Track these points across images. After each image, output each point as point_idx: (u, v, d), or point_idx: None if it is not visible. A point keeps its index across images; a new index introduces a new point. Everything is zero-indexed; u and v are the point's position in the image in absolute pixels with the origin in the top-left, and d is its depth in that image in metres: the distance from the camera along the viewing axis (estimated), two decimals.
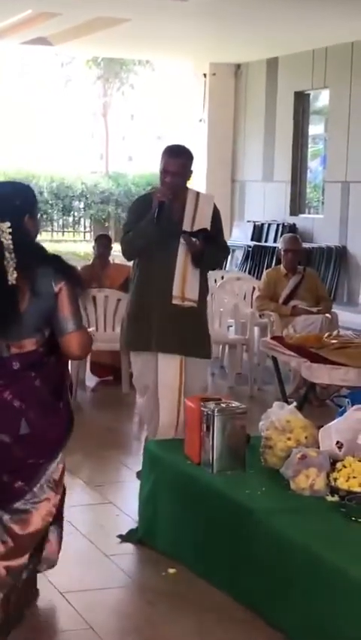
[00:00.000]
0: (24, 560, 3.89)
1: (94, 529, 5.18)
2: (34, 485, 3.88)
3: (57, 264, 3.87)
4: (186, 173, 5.59)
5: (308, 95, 14.91)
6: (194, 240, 5.45)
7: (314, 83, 14.26)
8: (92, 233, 24.10)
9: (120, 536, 4.98)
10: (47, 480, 3.92)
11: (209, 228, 5.54)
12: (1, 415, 3.77)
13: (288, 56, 14.71)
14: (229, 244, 6.17)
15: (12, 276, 3.72)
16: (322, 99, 14.98)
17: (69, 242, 23.28)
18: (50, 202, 23.82)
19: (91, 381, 8.88)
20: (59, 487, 3.99)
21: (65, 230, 24.60)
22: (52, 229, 24.32)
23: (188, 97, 17.22)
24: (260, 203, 15.53)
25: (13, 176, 22.48)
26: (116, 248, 10.23)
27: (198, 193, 5.70)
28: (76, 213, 24.62)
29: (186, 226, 5.52)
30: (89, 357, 8.87)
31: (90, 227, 24.51)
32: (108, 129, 34.58)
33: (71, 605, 4.22)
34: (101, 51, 19.66)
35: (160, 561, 4.66)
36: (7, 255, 3.73)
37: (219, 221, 5.73)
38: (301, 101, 14.87)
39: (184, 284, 5.50)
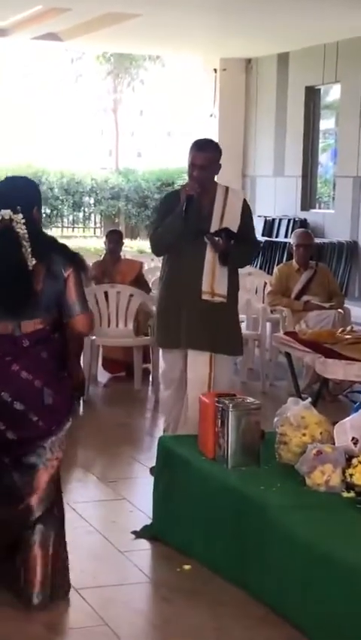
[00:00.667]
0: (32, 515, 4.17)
1: (108, 526, 5.17)
2: (44, 445, 4.19)
3: (66, 252, 4.21)
4: (214, 166, 5.57)
5: (319, 89, 14.87)
6: (217, 239, 5.43)
7: (325, 78, 14.22)
8: (102, 228, 24.08)
9: (134, 532, 4.97)
10: (59, 441, 4.24)
11: (238, 225, 5.50)
12: (18, 387, 4.07)
13: (299, 51, 14.67)
14: None
15: (31, 263, 4.06)
16: (332, 94, 14.93)
17: (79, 237, 23.25)
18: (60, 198, 23.80)
19: (103, 377, 8.87)
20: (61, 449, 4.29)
21: (75, 225, 24.59)
22: (62, 225, 24.30)
23: (198, 92, 17.20)
24: (271, 199, 15.50)
25: (23, 171, 22.48)
26: (127, 243, 10.26)
27: (227, 188, 5.67)
28: (86, 209, 24.59)
29: (215, 222, 5.49)
30: (100, 353, 8.88)
31: (100, 222, 24.50)
32: (118, 125, 34.57)
33: (85, 601, 4.21)
34: (111, 46, 19.64)
35: (175, 557, 4.64)
36: (24, 243, 4.07)
37: (250, 217, 5.71)
38: (312, 95, 14.83)
39: (213, 279, 5.48)
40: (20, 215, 4.10)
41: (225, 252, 5.45)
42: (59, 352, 4.21)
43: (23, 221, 4.09)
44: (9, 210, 4.10)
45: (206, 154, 5.54)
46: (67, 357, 4.28)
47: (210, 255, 5.49)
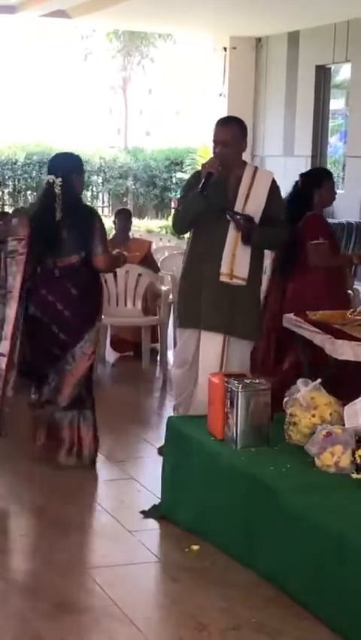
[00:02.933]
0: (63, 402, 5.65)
1: (116, 505, 5.17)
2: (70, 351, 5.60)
3: (90, 209, 5.89)
4: (237, 142, 5.49)
5: (330, 68, 14.78)
6: (238, 217, 5.36)
7: (336, 57, 14.12)
8: (110, 207, 24.00)
9: (143, 512, 4.97)
10: (80, 350, 5.60)
11: (262, 206, 5.43)
12: (48, 310, 5.58)
13: (309, 29, 14.57)
14: None
15: (59, 214, 5.50)
16: (342, 73, 14.84)
17: None
18: None
19: (111, 356, 8.86)
20: (89, 359, 5.66)
21: None
22: None
23: (208, 71, 17.11)
24: (281, 178, 15.27)
25: (32, 150, 22.42)
26: (135, 223, 10.23)
27: (256, 169, 5.60)
28: (94, 188, 24.51)
29: (239, 203, 5.43)
30: (109, 333, 8.86)
31: (108, 201, 24.42)
32: (127, 103, 34.42)
33: (94, 580, 4.21)
34: (120, 24, 19.54)
35: (183, 537, 4.64)
36: (57, 199, 5.50)
37: (279, 198, 5.61)
38: (323, 74, 14.75)
39: (234, 260, 5.41)
40: (59, 180, 5.51)
41: (247, 230, 5.37)
42: (85, 282, 5.58)
43: (60, 184, 5.50)
44: (52, 175, 5.56)
45: (227, 129, 5.49)
46: (93, 286, 5.69)
47: (232, 236, 5.41)
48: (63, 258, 5.55)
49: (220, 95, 16.21)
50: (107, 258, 5.64)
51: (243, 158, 5.66)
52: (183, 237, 9.19)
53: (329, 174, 6.52)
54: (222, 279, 5.44)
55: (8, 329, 5.47)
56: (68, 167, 5.60)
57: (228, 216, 5.38)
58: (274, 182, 5.57)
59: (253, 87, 16.10)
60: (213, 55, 16.52)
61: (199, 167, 5.84)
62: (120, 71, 32.75)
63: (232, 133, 5.48)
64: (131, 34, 28.78)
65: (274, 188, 5.55)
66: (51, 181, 5.52)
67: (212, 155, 5.54)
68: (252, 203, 5.44)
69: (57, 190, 5.49)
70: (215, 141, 5.47)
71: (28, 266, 5.53)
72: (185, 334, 5.69)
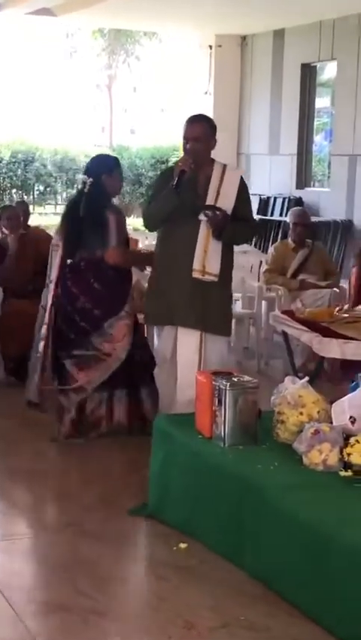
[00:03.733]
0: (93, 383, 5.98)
1: (103, 504, 5.14)
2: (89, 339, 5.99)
3: (114, 207, 6.07)
4: (207, 139, 5.53)
5: (315, 67, 14.78)
6: (215, 212, 5.37)
7: (321, 55, 14.13)
8: None
9: (131, 511, 4.96)
10: (101, 338, 5.97)
11: (233, 204, 5.47)
12: (71, 300, 6.01)
13: (295, 28, 14.57)
14: None
15: (82, 211, 5.91)
16: (327, 72, 14.85)
17: None
18: (54, 175, 23.68)
19: None
20: (115, 342, 5.96)
21: None
22: (55, 202, 24.19)
23: (193, 69, 17.08)
24: (266, 177, 15.44)
25: (17, 148, 22.37)
26: None
27: (225, 166, 5.62)
28: (79, 186, 24.50)
29: (210, 200, 5.45)
30: None
31: None
32: (113, 102, 34.39)
33: (82, 579, 4.19)
34: (105, 22, 19.49)
35: (171, 536, 4.63)
36: (84, 198, 5.92)
37: (247, 196, 5.66)
38: (308, 72, 14.75)
39: (205, 257, 5.43)
40: (90, 179, 5.92)
41: (220, 225, 5.40)
42: (107, 276, 5.90)
43: (90, 183, 5.91)
44: (85, 175, 6.02)
45: (198, 125, 5.54)
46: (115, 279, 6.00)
47: (203, 232, 5.45)
48: (88, 252, 5.96)
49: (206, 93, 16.19)
50: (115, 252, 5.87)
51: (228, 156, 5.69)
52: None
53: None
54: (195, 275, 5.46)
55: (46, 315, 6.07)
56: (98, 168, 6.02)
57: (203, 215, 5.39)
58: (242, 179, 5.65)
59: (239, 85, 16.09)
60: (199, 53, 16.50)
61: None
62: (105, 69, 32.70)
63: (202, 129, 5.53)
64: (116, 32, 28.74)
65: (242, 185, 5.61)
66: (83, 181, 6.03)
67: (183, 153, 5.57)
68: (222, 200, 5.48)
69: (87, 189, 5.92)
70: (186, 138, 5.51)
71: (63, 259, 6.04)
72: (162, 333, 5.69)
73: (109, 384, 6.05)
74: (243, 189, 5.59)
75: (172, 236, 5.53)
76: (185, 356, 5.54)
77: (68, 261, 6.07)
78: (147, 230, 6.57)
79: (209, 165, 5.55)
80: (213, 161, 5.62)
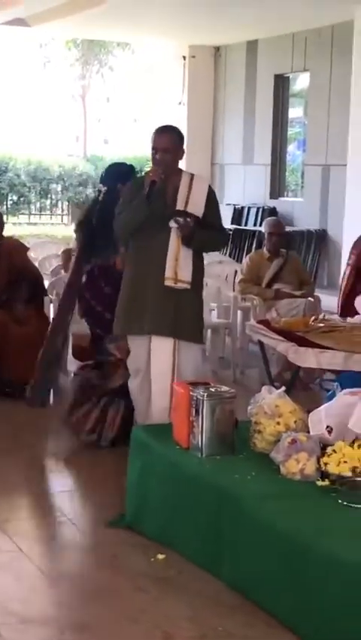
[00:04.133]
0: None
1: (81, 516, 5.15)
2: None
3: None
4: (176, 149, 5.56)
5: (288, 77, 14.86)
6: (186, 219, 5.39)
7: (294, 66, 14.21)
8: (69, 216, 23.97)
9: (108, 522, 4.95)
10: (113, 343, 6.15)
11: (202, 212, 5.50)
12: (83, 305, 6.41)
13: (268, 39, 14.64)
14: None
15: (94, 219, 6.10)
16: (299, 82, 14.93)
17: (47, 225, 23.15)
18: (28, 185, 23.67)
19: (73, 365, 8.80)
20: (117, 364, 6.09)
21: (43, 213, 24.46)
22: (29, 212, 24.18)
23: (167, 79, 17.12)
24: (240, 187, 15.48)
25: None
26: None
27: (192, 175, 5.65)
28: (53, 196, 24.47)
29: (179, 209, 5.47)
30: (70, 341, 8.82)
31: (68, 210, 24.39)
32: (87, 112, 34.39)
33: (60, 592, 4.19)
34: (79, 33, 19.49)
35: (149, 547, 4.63)
36: (98, 206, 6.12)
37: (215, 204, 5.68)
38: (281, 83, 14.82)
39: (177, 265, 5.46)
40: (105, 188, 6.13)
41: (189, 233, 5.43)
42: (116, 280, 5.82)
43: (105, 191, 6.12)
44: (101, 185, 6.22)
45: (167, 136, 5.56)
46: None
47: (174, 241, 5.47)
48: (102, 259, 6.17)
49: (180, 103, 16.23)
50: (124, 258, 5.89)
51: (203, 166, 5.73)
52: None
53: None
54: (167, 283, 5.47)
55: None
56: (113, 177, 6.19)
57: (174, 222, 5.42)
58: (210, 188, 5.69)
59: (213, 95, 16.14)
60: (173, 64, 16.53)
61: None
62: (79, 79, 32.70)
63: (171, 140, 5.56)
64: (89, 42, 28.76)
65: (210, 194, 5.64)
66: (99, 189, 6.23)
67: (152, 163, 5.59)
68: (191, 209, 5.51)
69: (101, 197, 6.13)
70: (155, 148, 5.53)
71: (80, 264, 6.26)
72: (134, 343, 5.68)
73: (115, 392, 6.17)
74: (211, 197, 5.64)
75: (143, 245, 5.56)
76: (159, 364, 5.54)
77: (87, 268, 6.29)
78: None
79: (177, 175, 5.59)
80: (180, 170, 5.66)
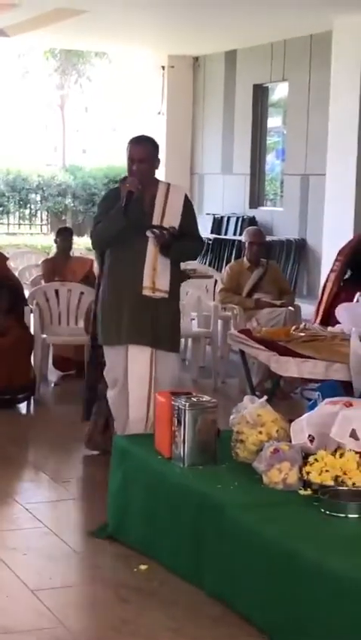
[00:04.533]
0: None
1: (62, 526, 5.13)
2: None
3: None
4: (152, 159, 5.57)
5: (267, 87, 14.91)
6: (163, 232, 5.41)
7: (273, 76, 14.26)
8: (49, 226, 23.94)
9: (90, 533, 4.94)
10: None
11: (178, 222, 5.52)
12: None
13: (246, 49, 14.69)
14: None
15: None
16: (278, 92, 14.98)
17: (26, 235, 23.09)
18: (6, 194, 23.62)
19: (53, 375, 8.81)
20: None
21: (22, 222, 24.42)
22: (8, 222, 24.12)
23: (146, 89, 17.15)
24: (219, 196, 15.51)
25: None
26: (75, 240, 10.20)
27: (168, 185, 5.67)
28: (33, 206, 24.43)
29: (156, 219, 5.49)
30: (51, 351, 8.83)
31: (47, 220, 24.37)
32: (65, 121, 34.39)
33: (42, 603, 4.16)
34: (58, 42, 19.51)
35: (131, 557, 4.62)
36: None
37: (192, 213, 5.70)
38: (260, 93, 14.87)
39: (155, 274, 5.46)
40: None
41: (168, 244, 5.44)
42: None
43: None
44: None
45: (143, 146, 5.57)
46: None
47: (151, 250, 5.48)
48: None
49: (159, 113, 16.26)
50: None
51: (182, 175, 5.73)
52: None
53: None
54: (145, 292, 5.48)
55: None
56: None
57: (151, 233, 5.43)
58: (186, 197, 5.70)
59: (192, 105, 16.18)
60: (152, 74, 16.57)
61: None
62: (57, 89, 32.71)
63: (147, 150, 5.57)
64: (67, 52, 28.79)
65: (187, 203, 5.66)
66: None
67: (129, 174, 5.59)
68: (168, 218, 5.53)
69: None
70: (131, 159, 5.53)
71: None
72: (112, 353, 5.66)
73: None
74: (188, 206, 5.66)
75: (120, 255, 5.56)
76: (136, 373, 5.54)
77: None
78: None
79: (154, 185, 5.60)
80: (157, 180, 5.67)
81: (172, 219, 5.54)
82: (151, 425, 5.37)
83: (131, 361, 5.55)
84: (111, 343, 5.61)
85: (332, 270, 6.55)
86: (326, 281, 6.27)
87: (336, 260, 6.86)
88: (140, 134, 5.77)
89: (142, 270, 5.47)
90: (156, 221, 5.50)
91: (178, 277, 5.69)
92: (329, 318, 6.33)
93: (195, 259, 6.04)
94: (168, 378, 5.57)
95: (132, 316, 5.50)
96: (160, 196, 5.57)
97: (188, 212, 5.64)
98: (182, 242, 5.51)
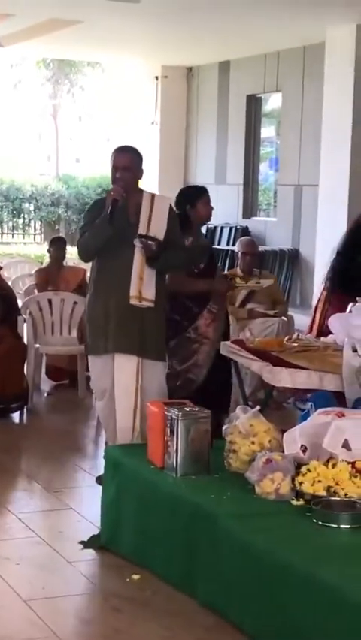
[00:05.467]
0: None
1: (55, 536, 5.13)
2: None
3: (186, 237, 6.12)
4: (136, 168, 5.59)
5: (260, 98, 14.95)
6: (150, 242, 5.42)
7: (266, 87, 14.30)
8: (42, 235, 23.94)
9: (82, 542, 4.94)
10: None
11: (165, 231, 5.53)
12: None
13: (240, 59, 14.74)
14: None
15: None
16: (271, 102, 15.03)
17: (19, 244, 23.09)
18: (0, 204, 23.62)
19: (46, 385, 8.81)
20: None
21: (15, 232, 24.41)
22: (1, 231, 24.12)
23: (140, 99, 17.19)
24: (213, 206, 15.50)
25: None
26: (69, 250, 10.21)
27: (153, 195, 5.69)
28: (26, 215, 24.43)
29: (142, 229, 5.50)
30: (44, 361, 8.84)
31: (41, 229, 24.37)
32: (58, 131, 34.43)
33: (34, 612, 4.16)
34: (52, 52, 19.55)
35: (124, 567, 4.62)
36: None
37: (177, 222, 5.72)
38: (254, 104, 14.91)
39: (141, 284, 5.47)
40: (177, 212, 5.90)
41: (155, 255, 5.45)
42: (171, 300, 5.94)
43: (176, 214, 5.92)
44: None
45: (127, 155, 5.60)
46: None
47: (138, 260, 5.49)
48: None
49: (153, 123, 16.29)
50: (170, 279, 5.95)
51: (175, 185, 5.74)
52: None
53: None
54: (132, 302, 5.48)
55: None
56: (181, 201, 6.24)
57: (139, 242, 5.44)
58: (171, 207, 5.72)
59: (185, 115, 16.22)
60: (145, 84, 16.61)
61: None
62: (50, 99, 32.75)
63: (131, 158, 5.60)
64: (60, 62, 28.82)
65: (172, 213, 5.68)
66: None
67: (113, 183, 5.61)
68: (154, 227, 5.54)
69: None
70: (116, 166, 5.56)
71: None
72: (98, 363, 5.65)
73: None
74: (173, 216, 5.67)
75: (107, 264, 5.57)
76: (123, 383, 5.53)
77: None
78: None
79: (138, 194, 5.62)
80: (141, 190, 5.69)
81: (158, 228, 5.54)
82: (138, 435, 5.38)
83: (118, 370, 5.54)
84: (98, 353, 5.61)
85: (324, 289, 6.54)
86: (318, 301, 6.28)
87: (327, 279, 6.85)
88: (124, 144, 5.81)
89: (128, 279, 5.48)
90: (142, 230, 5.51)
91: (164, 287, 5.70)
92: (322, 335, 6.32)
93: (180, 269, 6.08)
94: (155, 388, 5.57)
95: (119, 325, 5.50)
96: (145, 205, 5.58)
97: (173, 221, 5.65)
98: (168, 252, 5.53)
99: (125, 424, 5.50)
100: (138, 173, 5.64)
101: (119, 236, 5.45)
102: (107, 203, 5.46)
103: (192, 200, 6.31)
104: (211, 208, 6.51)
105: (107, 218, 5.41)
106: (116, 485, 4.86)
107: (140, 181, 5.71)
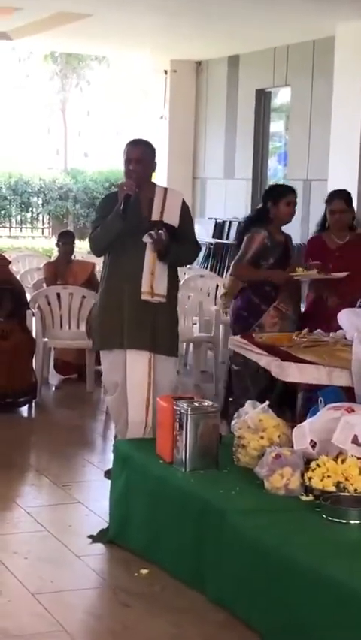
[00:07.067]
0: None
1: (63, 530, 5.12)
2: None
3: (258, 230, 6.52)
4: (149, 161, 5.59)
5: (270, 92, 14.91)
6: (160, 232, 5.41)
7: (276, 81, 14.26)
8: (50, 229, 23.92)
9: (91, 537, 4.94)
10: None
11: (177, 224, 5.52)
12: None
13: (249, 54, 14.69)
14: None
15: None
16: (280, 97, 14.98)
17: (27, 238, 23.07)
18: (8, 198, 23.62)
19: (55, 379, 8.81)
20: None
21: (23, 226, 24.41)
22: (10, 225, 24.11)
23: (149, 93, 17.15)
24: (221, 201, 15.50)
25: None
26: (79, 245, 10.21)
27: (166, 189, 5.69)
28: (34, 209, 24.42)
29: (155, 217, 5.49)
30: (53, 355, 8.84)
31: (49, 223, 24.35)
32: (67, 125, 34.40)
33: (43, 607, 4.16)
34: (60, 46, 19.51)
35: (132, 561, 4.62)
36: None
37: (189, 217, 5.72)
38: (263, 98, 14.86)
39: (153, 279, 5.47)
40: (260, 205, 6.63)
41: (165, 247, 5.44)
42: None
43: (258, 207, 6.62)
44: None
45: (140, 147, 5.60)
46: None
47: (149, 255, 5.48)
48: None
49: (161, 117, 16.26)
50: (234, 266, 6.57)
51: (184, 180, 5.74)
52: None
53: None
54: (144, 297, 5.48)
55: None
56: (266, 195, 6.62)
57: (149, 238, 5.42)
58: (184, 201, 5.70)
59: (194, 110, 16.18)
60: (154, 78, 16.57)
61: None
62: (58, 93, 32.72)
63: (144, 151, 5.60)
64: (67, 56, 28.78)
65: (184, 207, 5.67)
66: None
67: (125, 176, 5.60)
68: (167, 215, 5.55)
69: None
70: (129, 159, 5.55)
71: None
72: (110, 358, 5.65)
73: None
74: (185, 210, 5.66)
75: (119, 259, 5.56)
76: (135, 377, 5.53)
77: None
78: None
79: (151, 188, 5.61)
80: (154, 184, 5.68)
81: (172, 216, 5.55)
82: (150, 429, 5.38)
83: (130, 365, 5.55)
84: (111, 347, 5.61)
85: None
86: None
87: None
88: (138, 138, 5.80)
89: (140, 275, 5.47)
90: (155, 218, 5.51)
91: (176, 282, 5.69)
92: None
93: (192, 263, 6.13)
94: (166, 383, 5.58)
95: (132, 321, 5.50)
96: (158, 199, 5.57)
97: (185, 215, 5.65)
98: (179, 246, 5.52)
99: (138, 418, 5.51)
100: (151, 166, 5.63)
101: (131, 231, 5.43)
102: (119, 197, 5.45)
103: (276, 197, 6.49)
104: (294, 209, 6.63)
105: (120, 213, 5.40)
106: (125, 480, 4.85)
107: (153, 174, 5.70)
